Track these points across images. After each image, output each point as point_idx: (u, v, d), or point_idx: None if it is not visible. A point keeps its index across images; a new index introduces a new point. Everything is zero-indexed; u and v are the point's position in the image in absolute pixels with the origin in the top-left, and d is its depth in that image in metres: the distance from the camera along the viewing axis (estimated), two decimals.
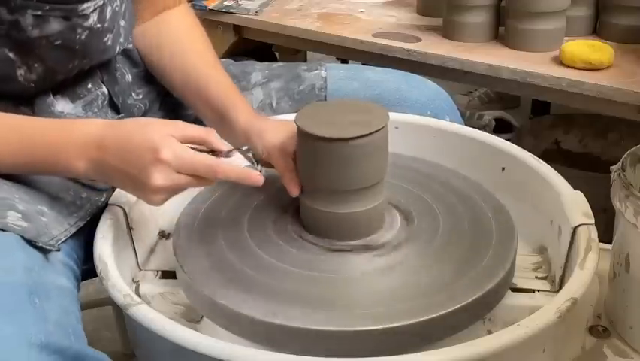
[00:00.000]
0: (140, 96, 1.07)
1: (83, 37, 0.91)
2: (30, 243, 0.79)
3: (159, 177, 0.78)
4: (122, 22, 0.99)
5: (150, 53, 1.08)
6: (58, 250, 0.83)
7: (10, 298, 0.71)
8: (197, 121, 1.05)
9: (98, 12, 0.91)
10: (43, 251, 0.81)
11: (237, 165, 0.86)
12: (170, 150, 0.78)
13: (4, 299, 0.71)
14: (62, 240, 0.86)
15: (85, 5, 0.89)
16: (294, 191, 0.88)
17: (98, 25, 0.92)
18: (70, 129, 0.83)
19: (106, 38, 0.95)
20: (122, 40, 0.99)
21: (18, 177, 0.88)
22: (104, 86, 1.01)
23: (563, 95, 1.42)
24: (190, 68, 1.03)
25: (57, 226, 0.87)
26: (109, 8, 0.93)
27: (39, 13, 0.85)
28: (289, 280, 0.81)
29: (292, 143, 0.88)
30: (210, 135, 0.83)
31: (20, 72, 0.89)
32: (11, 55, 0.87)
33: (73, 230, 0.88)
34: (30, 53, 0.88)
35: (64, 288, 0.80)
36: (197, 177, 0.80)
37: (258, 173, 0.83)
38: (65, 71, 0.93)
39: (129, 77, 1.07)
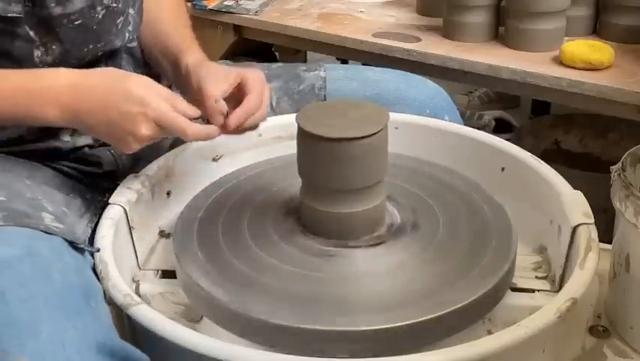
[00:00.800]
0: None
1: (100, 15, 0.93)
2: (71, 244, 0.81)
3: (145, 128, 0.84)
4: (132, 11, 1.00)
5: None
6: (98, 250, 0.84)
7: (70, 300, 0.73)
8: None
9: None
10: (81, 252, 0.82)
11: None
12: (155, 106, 0.84)
13: (66, 301, 0.72)
14: (86, 240, 0.87)
15: None
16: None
17: (114, 5, 0.95)
18: (41, 78, 0.86)
19: (118, 20, 0.97)
20: (130, 28, 1.01)
21: (32, 177, 0.89)
22: None
23: (563, 95, 1.42)
24: (157, 25, 1.07)
25: (78, 227, 0.87)
26: None
27: None
28: (289, 281, 0.81)
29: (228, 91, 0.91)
30: (177, 99, 0.87)
31: (37, 53, 0.90)
32: (32, 33, 0.89)
33: (89, 231, 0.89)
34: (50, 32, 0.90)
35: (101, 289, 0.81)
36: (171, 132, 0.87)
37: (216, 128, 0.88)
38: (79, 55, 0.94)
39: None
